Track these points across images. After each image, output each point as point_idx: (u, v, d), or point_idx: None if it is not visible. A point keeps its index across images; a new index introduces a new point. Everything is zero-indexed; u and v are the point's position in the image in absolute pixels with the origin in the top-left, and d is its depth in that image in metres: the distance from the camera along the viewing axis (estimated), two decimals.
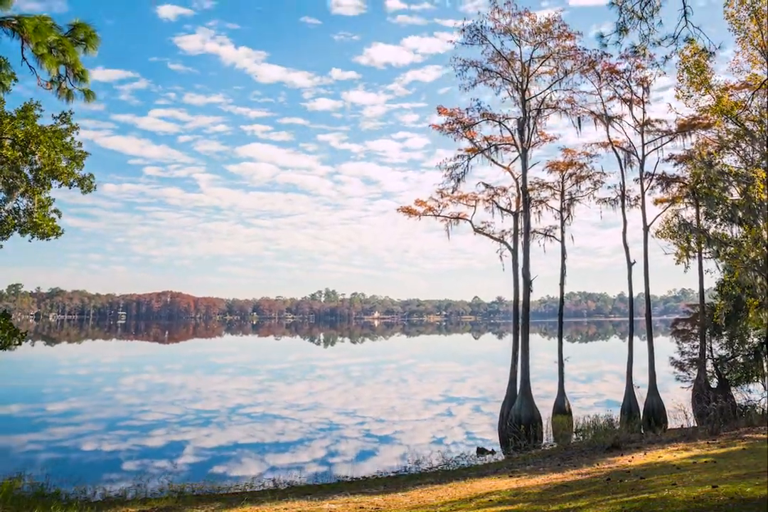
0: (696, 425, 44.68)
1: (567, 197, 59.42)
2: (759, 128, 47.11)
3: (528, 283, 52.45)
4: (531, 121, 53.55)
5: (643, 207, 55.86)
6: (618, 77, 54.94)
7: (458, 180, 56.06)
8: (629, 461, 27.39)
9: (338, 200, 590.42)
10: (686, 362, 60.27)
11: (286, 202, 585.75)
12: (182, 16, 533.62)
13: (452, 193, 56.95)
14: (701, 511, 14.28)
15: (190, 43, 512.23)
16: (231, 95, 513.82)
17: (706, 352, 57.02)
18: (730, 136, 49.78)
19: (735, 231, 50.35)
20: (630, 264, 55.39)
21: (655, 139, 56.26)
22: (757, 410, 44.54)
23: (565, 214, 59.24)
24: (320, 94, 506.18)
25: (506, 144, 55.81)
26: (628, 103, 55.64)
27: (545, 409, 52.27)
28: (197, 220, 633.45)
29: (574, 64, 53.30)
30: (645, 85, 54.92)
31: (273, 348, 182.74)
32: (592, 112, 56.09)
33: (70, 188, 40.06)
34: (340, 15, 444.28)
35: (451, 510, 18.74)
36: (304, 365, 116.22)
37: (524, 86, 53.15)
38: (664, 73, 53.72)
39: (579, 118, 55.79)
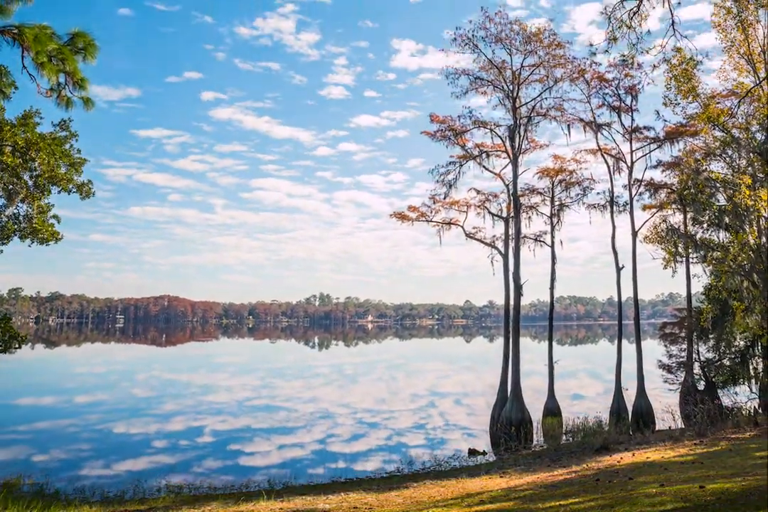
0: (683, 426, 44.75)
1: (557, 203, 59.51)
2: (745, 135, 47.16)
3: (519, 287, 52.49)
4: (521, 128, 53.64)
5: (631, 212, 56.02)
6: (607, 85, 55.09)
7: (450, 186, 56.20)
8: (618, 461, 27.36)
9: (334, 219, 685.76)
10: (674, 365, 60.29)
11: (289, 221, 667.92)
12: (219, 98, 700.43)
13: (444, 198, 57.08)
14: (689, 511, 14.25)
15: (223, 114, 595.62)
16: (251, 146, 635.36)
17: (694, 355, 57.11)
18: (717, 144, 49.81)
19: (722, 236, 50.39)
20: (619, 269, 55.44)
21: (644, 146, 56.45)
22: (743, 412, 44.56)
23: (555, 220, 59.29)
24: (320, 145, 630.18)
25: (497, 151, 55.90)
26: (617, 111, 55.75)
27: (535, 411, 52.32)
28: (208, 234, 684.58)
29: (564, 73, 53.49)
30: (633, 93, 55.03)
31: (270, 350, 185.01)
32: (581, 120, 56.21)
33: (69, 194, 40.13)
34: (333, 98, 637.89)
35: (443, 509, 18.68)
36: (301, 365, 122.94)
37: (515, 94, 53.28)
38: (653, 82, 53.90)
39: (569, 125, 55.97)
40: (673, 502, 15.30)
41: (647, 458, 27.26)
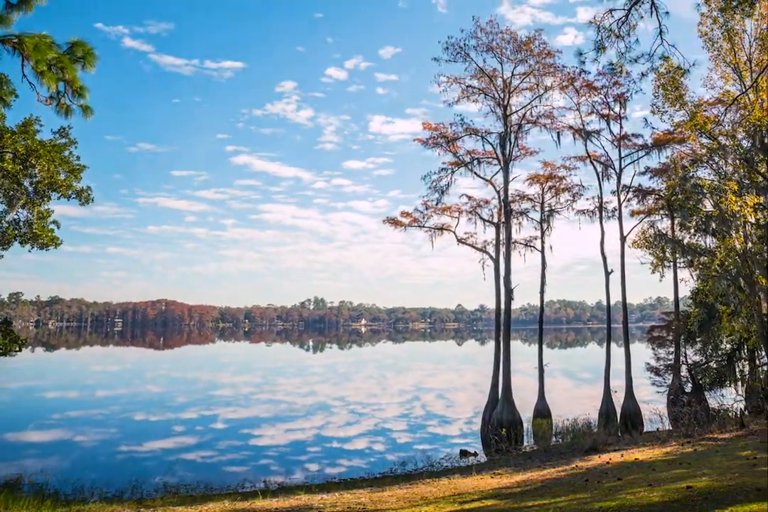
0: (671, 428, 44.76)
1: (547, 209, 59.61)
2: (731, 143, 47.20)
3: (509, 292, 52.46)
4: (512, 135, 53.67)
5: (620, 218, 56.06)
6: (596, 93, 55.17)
7: (442, 192, 56.16)
8: (607, 462, 27.35)
9: (330, 235, 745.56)
10: (662, 368, 60.33)
11: (291, 237, 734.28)
12: (239, 150, 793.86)
13: (436, 204, 56.99)
14: (677, 510, 14.23)
15: (241, 160, 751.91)
16: (262, 182, 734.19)
17: (681, 358, 57.19)
18: (704, 151, 49.86)
19: (708, 241, 50.48)
20: (607, 274, 55.46)
21: (632, 153, 56.51)
22: (730, 414, 44.51)
23: (544, 225, 59.34)
24: (317, 181, 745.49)
25: (488, 157, 55.89)
26: (606, 119, 55.82)
27: (525, 412, 52.36)
28: (216, 248, 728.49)
29: (554, 81, 53.57)
30: (622, 101, 55.08)
31: (268, 352, 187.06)
32: (571, 127, 56.28)
33: (68, 200, 40.08)
34: (327, 150, 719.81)
35: (435, 508, 18.65)
36: (297, 365, 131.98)
37: (506, 102, 53.32)
38: (641, 90, 53.94)
39: (558, 132, 55.99)
40: (662, 502, 15.28)
41: (636, 459, 27.25)
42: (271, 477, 34.93)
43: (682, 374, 56.29)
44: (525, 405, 53.97)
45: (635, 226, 57.26)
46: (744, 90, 43.54)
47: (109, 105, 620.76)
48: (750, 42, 45.80)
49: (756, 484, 16.64)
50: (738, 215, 43.34)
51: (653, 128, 55.10)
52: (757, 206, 45.49)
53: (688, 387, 55.02)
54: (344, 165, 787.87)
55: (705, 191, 47.56)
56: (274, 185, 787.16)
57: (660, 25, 18.45)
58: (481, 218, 57.64)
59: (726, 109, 43.10)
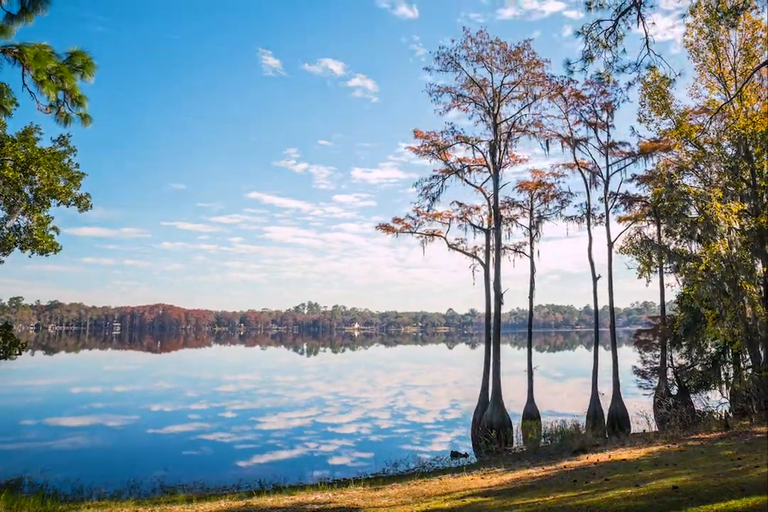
0: (657, 430, 44.76)
1: (536, 215, 59.67)
2: (717, 151, 47.31)
3: (499, 296, 52.48)
4: (502, 143, 53.72)
5: (607, 224, 56.11)
6: (584, 102, 55.30)
7: (433, 199, 56.24)
8: (594, 463, 27.34)
9: (324, 250, 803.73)
10: (648, 370, 60.37)
11: (291, 252, 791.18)
12: (252, 188, 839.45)
13: (427, 211, 57.04)
14: (663, 510, 14.21)
15: (253, 195, 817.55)
16: (269, 210, 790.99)
17: (667, 361, 57.19)
18: (690, 158, 49.94)
19: (694, 247, 50.44)
20: (595, 279, 55.52)
21: (619, 161, 56.61)
22: (715, 416, 44.54)
23: (533, 231, 59.39)
24: (314, 210, 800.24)
25: (479, 165, 56.01)
26: (593, 127, 55.94)
27: (515, 415, 52.41)
28: (223, 261, 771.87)
29: (543, 90, 53.69)
30: (609, 110, 55.21)
31: (264, 354, 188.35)
32: (559, 135, 56.39)
33: (68, 207, 40.23)
34: (320, 189, 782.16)
35: (426, 507, 18.62)
36: (293, 365, 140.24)
37: (495, 111, 53.37)
38: (628, 99, 54.05)
39: (547, 140, 56.16)
40: (648, 502, 15.26)
41: (623, 459, 27.25)
42: (267, 475, 34.91)
43: (668, 377, 56.31)
44: (514, 407, 54.06)
45: (622, 232, 57.28)
46: (729, 99, 43.73)
47: (157, 152, 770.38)
48: (735, 52, 45.98)
49: (740, 484, 16.65)
50: (723, 222, 43.42)
51: (640, 136, 55.35)
52: (741, 213, 45.62)
53: (674, 390, 55.06)
54: (335, 198, 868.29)
55: (691, 198, 47.62)
56: (278, 213, 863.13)
57: (647, 36, 18.49)
58: (471, 224, 57.72)
59: (711, 118, 43.15)
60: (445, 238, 58.42)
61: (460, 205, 58.67)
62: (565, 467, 27.23)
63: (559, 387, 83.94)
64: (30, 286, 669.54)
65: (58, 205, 39.97)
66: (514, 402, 55.88)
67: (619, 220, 58.96)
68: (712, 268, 43.11)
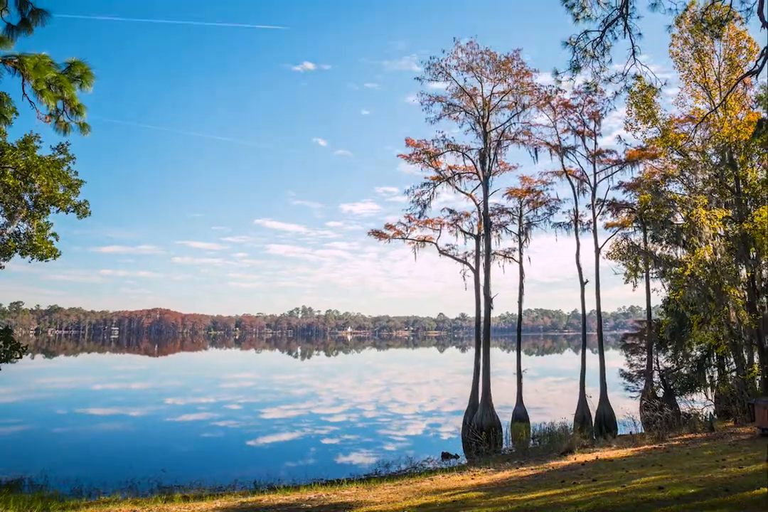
0: (643, 431, 44.79)
1: (525, 222, 59.61)
2: (702, 158, 47.43)
3: (489, 301, 52.53)
4: (491, 151, 53.78)
5: (594, 231, 56.13)
6: (572, 111, 55.39)
7: (424, 206, 56.13)
8: (582, 464, 27.39)
9: (319, 263, 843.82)
10: (635, 373, 60.45)
11: (290, 264, 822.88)
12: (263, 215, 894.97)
13: (419, 217, 56.93)
14: (649, 510, 14.22)
15: (260, 222, 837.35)
16: (272, 233, 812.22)
17: (653, 364, 57.30)
18: (675, 166, 50.07)
19: (679, 252, 50.53)
20: (583, 284, 55.54)
21: (606, 168, 56.59)
22: (700, 418, 44.59)
23: (522, 237, 59.40)
24: (310, 232, 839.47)
25: (469, 172, 56.00)
26: (581, 135, 56.00)
27: (504, 416, 52.43)
28: (226, 272, 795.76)
29: (531, 99, 53.75)
30: (596, 119, 55.32)
31: (261, 357, 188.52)
32: (547, 143, 56.44)
33: (67, 213, 40.29)
34: (312, 218, 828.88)
35: (419, 503, 18.64)
36: (289, 366, 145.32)
37: (485, 119, 53.44)
38: (615, 108, 54.13)
39: (536, 148, 56.27)
40: (635, 504, 15.27)
41: (609, 460, 27.29)
42: (261, 476, 34.87)
43: (654, 380, 56.39)
44: (504, 409, 54.07)
45: (609, 238, 57.33)
46: (713, 108, 43.80)
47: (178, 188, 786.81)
48: (719, 62, 46.23)
49: (724, 484, 16.68)
50: (708, 228, 43.51)
51: (627, 144, 55.47)
52: (725, 219, 45.73)
53: (660, 393, 55.07)
54: (327, 224, 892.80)
55: (676, 205, 47.71)
56: (280, 234, 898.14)
57: (633, 46, 18.53)
58: (461, 231, 57.65)
59: (696, 126, 43.40)
60: (436, 244, 58.37)
61: (451, 211, 58.64)
62: (553, 467, 27.27)
63: (548, 390, 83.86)
64: (43, 294, 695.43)
65: (57, 211, 40.04)
66: (503, 404, 55.90)
67: (607, 226, 59.04)
68: (697, 273, 43.19)
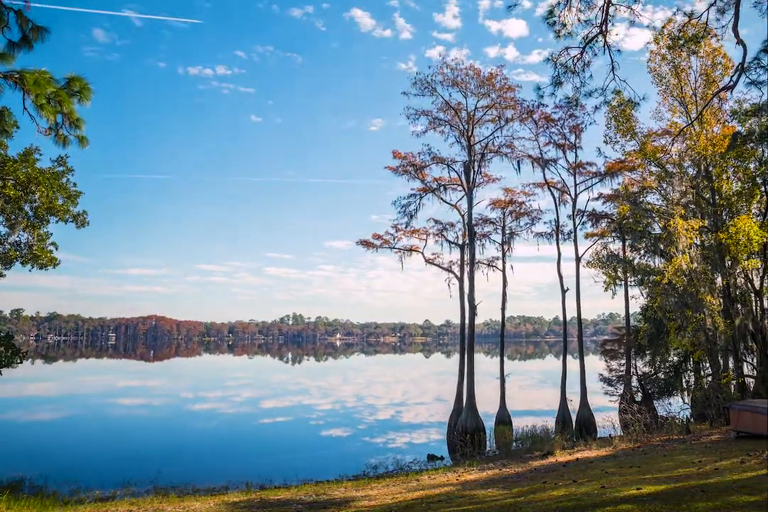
0: (622, 434, 44.78)
1: (507, 231, 59.73)
2: (678, 170, 47.63)
3: (473, 308, 52.62)
4: (476, 163, 53.98)
5: (575, 240, 56.31)
6: (553, 125, 55.52)
7: (411, 216, 56.18)
8: (563, 465, 27.43)
9: (308, 279, 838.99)
10: (614, 378, 60.49)
11: (283, 282, 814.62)
12: (269, 249, 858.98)
13: (406, 227, 57.02)
14: (628, 510, 14.27)
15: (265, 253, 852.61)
16: (271, 258, 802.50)
17: (631, 369, 57.41)
18: (653, 178, 50.27)
19: (657, 261, 50.70)
20: (564, 291, 55.63)
21: (586, 180, 56.76)
22: (676, 421, 44.66)
23: (505, 247, 59.53)
24: (299, 259, 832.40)
25: (454, 184, 56.10)
26: (562, 148, 56.19)
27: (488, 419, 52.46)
28: (228, 288, 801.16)
29: (514, 113, 54.01)
30: (577, 132, 55.49)
31: (255, 362, 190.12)
32: (530, 156, 56.56)
33: (66, 224, 40.42)
34: (301, 249, 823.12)
35: (405, 500, 18.67)
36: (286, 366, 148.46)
37: (470, 133, 53.64)
38: (595, 121, 54.28)
39: (518, 161, 56.44)
40: (614, 503, 15.32)
41: (590, 463, 27.33)
42: (253, 477, 34.84)
43: (632, 384, 56.48)
44: (488, 412, 54.10)
45: (589, 247, 57.46)
46: (690, 122, 44.03)
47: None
48: (695, 77, 46.51)
49: (701, 485, 16.74)
50: (684, 237, 43.68)
51: (606, 157, 55.70)
52: (701, 229, 45.95)
53: (638, 397, 55.16)
54: (314, 253, 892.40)
55: (654, 215, 47.89)
56: (276, 260, 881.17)
57: (612, 62, 18.61)
58: (447, 240, 57.76)
59: (673, 140, 43.67)
60: (422, 253, 58.42)
61: (437, 221, 58.76)
62: (535, 467, 27.34)
63: (530, 394, 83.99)
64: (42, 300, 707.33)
65: (57, 222, 40.15)
66: (486, 407, 55.91)
67: (587, 236, 59.14)
68: (674, 281, 43.32)
